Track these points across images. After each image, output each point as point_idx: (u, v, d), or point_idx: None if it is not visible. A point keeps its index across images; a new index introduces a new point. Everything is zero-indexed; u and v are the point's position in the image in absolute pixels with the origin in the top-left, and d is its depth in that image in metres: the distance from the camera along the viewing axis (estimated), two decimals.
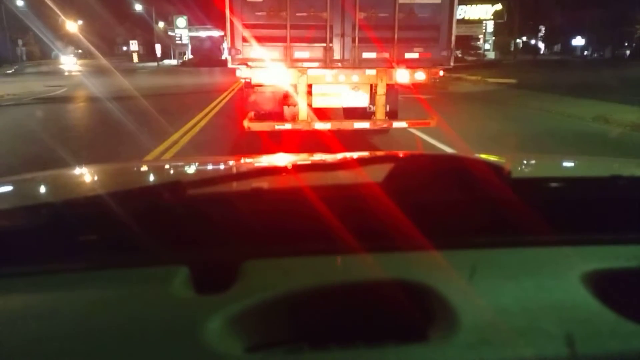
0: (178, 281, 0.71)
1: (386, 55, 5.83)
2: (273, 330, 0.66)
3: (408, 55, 5.88)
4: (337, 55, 5.79)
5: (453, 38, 6.02)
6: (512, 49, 41.32)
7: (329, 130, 6.18)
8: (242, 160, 1.86)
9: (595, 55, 53.09)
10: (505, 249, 0.82)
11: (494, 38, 46.14)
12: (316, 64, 5.83)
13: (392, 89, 6.28)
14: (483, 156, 1.38)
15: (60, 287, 0.73)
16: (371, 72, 5.93)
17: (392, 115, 6.36)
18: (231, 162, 1.79)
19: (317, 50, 5.76)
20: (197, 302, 0.67)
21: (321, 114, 6.63)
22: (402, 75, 5.95)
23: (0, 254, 0.78)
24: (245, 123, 5.99)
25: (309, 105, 6.04)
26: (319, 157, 1.65)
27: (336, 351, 0.59)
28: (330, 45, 5.74)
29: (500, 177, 0.92)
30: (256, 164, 1.66)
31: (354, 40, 5.75)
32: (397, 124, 6.27)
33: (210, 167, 1.69)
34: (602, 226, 0.87)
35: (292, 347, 0.62)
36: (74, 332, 0.62)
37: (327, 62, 5.79)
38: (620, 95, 11.66)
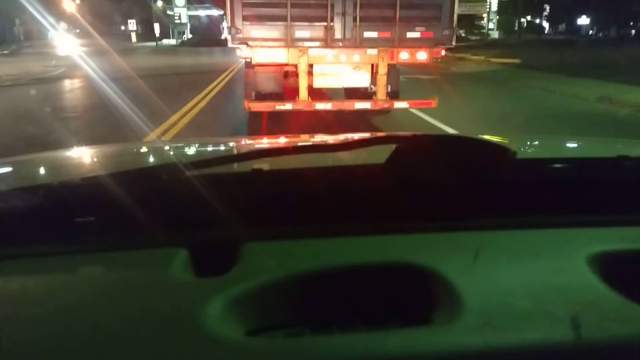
0: (177, 263, 0.70)
1: (387, 34, 5.75)
2: (273, 313, 0.64)
3: (410, 35, 5.79)
4: (338, 34, 5.70)
5: (455, 17, 5.95)
6: (516, 28, 40.83)
7: (330, 111, 6.16)
8: (242, 142, 1.84)
9: (600, 34, 52.58)
10: (510, 231, 0.80)
11: (498, 17, 45.59)
12: (317, 44, 5.74)
13: (393, 69, 6.23)
14: (487, 137, 1.35)
15: (57, 269, 0.72)
16: (372, 51, 5.83)
17: (393, 95, 6.29)
18: (231, 144, 1.77)
19: (317, 30, 5.67)
20: (197, 285, 0.66)
21: (322, 94, 6.60)
22: (403, 55, 5.87)
23: None
24: (246, 103, 5.92)
25: (310, 85, 5.96)
26: (320, 138, 1.63)
27: (337, 335, 0.59)
28: (331, 24, 5.64)
29: (505, 158, 0.89)
30: (256, 146, 1.64)
31: (355, 19, 5.66)
32: (398, 104, 6.21)
33: (209, 148, 1.67)
34: (609, 207, 0.85)
35: (292, 330, 0.62)
36: (72, 315, 0.60)
37: (328, 41, 5.70)
38: (624, 75, 11.51)
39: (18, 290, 0.67)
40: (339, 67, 5.98)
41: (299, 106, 5.90)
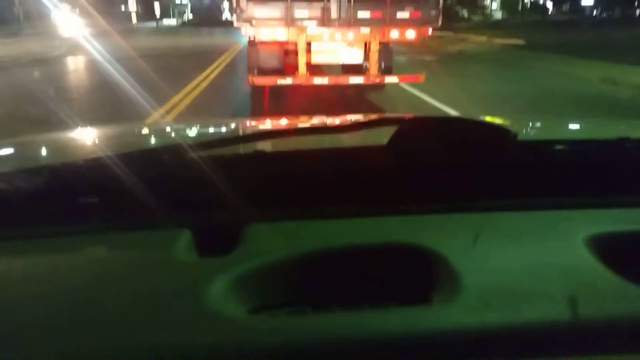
0: (180, 244, 0.70)
1: (379, 14, 6.19)
2: (276, 293, 0.65)
3: (399, 15, 6.23)
4: (334, 14, 6.12)
5: None
6: (520, 8, 40.33)
7: (328, 86, 6.63)
8: (245, 123, 1.84)
9: (604, 15, 51.91)
10: (510, 212, 0.81)
11: None
12: (314, 23, 6.16)
13: (386, 47, 6.80)
14: (488, 118, 1.36)
15: (61, 250, 0.72)
16: (365, 30, 6.27)
17: (387, 71, 6.82)
18: (233, 125, 1.77)
19: (315, 10, 6.09)
20: (200, 265, 0.67)
21: (320, 70, 7.00)
22: (393, 34, 6.35)
23: (1, 216, 0.77)
24: (250, 78, 6.40)
25: (308, 62, 6.40)
26: (322, 119, 1.63)
27: (339, 313, 0.59)
28: (328, 4, 6.08)
29: (506, 139, 0.90)
30: (259, 127, 1.65)
31: (349, 0, 6.09)
32: (388, 79, 6.69)
33: (212, 129, 1.68)
34: (608, 189, 0.86)
35: (294, 309, 0.63)
36: (75, 295, 0.61)
37: (325, 20, 6.13)
38: (628, 56, 11.42)
39: (21, 270, 0.68)
40: (335, 45, 6.44)
41: (299, 81, 6.31)
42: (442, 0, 6.47)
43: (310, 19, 6.12)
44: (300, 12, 6.07)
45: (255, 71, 6.56)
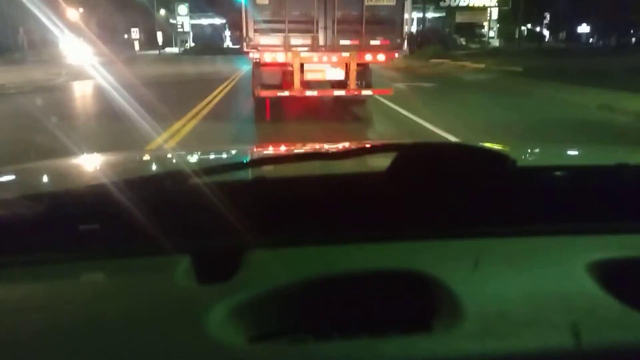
0: (180, 271, 0.71)
1: (357, 42, 7.97)
2: (276, 320, 0.65)
3: (372, 42, 8.04)
4: (321, 42, 7.98)
5: (405, 29, 8.38)
6: (517, 36, 40.96)
7: (317, 98, 8.81)
8: (245, 150, 1.86)
9: (601, 43, 52.62)
10: (510, 238, 0.81)
11: (498, 25, 45.76)
12: (306, 48, 7.94)
13: (366, 67, 8.53)
14: (487, 145, 1.37)
15: (61, 277, 0.72)
16: (346, 54, 8.03)
17: (367, 86, 8.56)
18: (233, 152, 1.79)
19: (307, 39, 7.91)
20: (199, 292, 0.66)
21: (310, 85, 8.63)
22: (368, 57, 8.15)
23: (1, 243, 0.77)
24: (256, 91, 8.21)
25: (302, 79, 8.12)
26: (321, 146, 1.65)
27: (339, 342, 0.59)
28: (317, 35, 7.90)
29: (505, 165, 0.90)
30: (258, 154, 1.66)
31: (333, 32, 7.92)
32: (364, 92, 8.41)
33: (212, 156, 1.69)
34: (608, 215, 0.86)
35: (294, 337, 0.62)
36: (75, 323, 0.61)
37: (314, 47, 7.96)
38: (624, 83, 11.54)
39: (21, 298, 0.68)
40: (322, 65, 8.21)
41: (294, 93, 8.09)
42: (406, 31, 8.37)
43: (303, 45, 7.91)
44: (295, 40, 7.85)
45: (260, 86, 8.22)
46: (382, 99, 9.96)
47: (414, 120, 8.20)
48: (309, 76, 8.23)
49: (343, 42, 7.94)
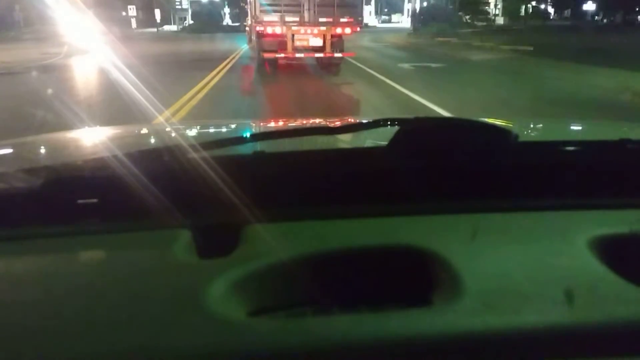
0: (180, 245, 0.70)
1: (330, 19, 11.30)
2: (275, 294, 0.64)
3: (341, 19, 11.39)
4: (306, 19, 11.30)
5: (362, 10, 12.72)
6: (524, 13, 40.21)
7: (304, 60, 12.44)
8: (246, 124, 1.86)
9: (606, 20, 51.96)
10: (511, 213, 0.80)
11: (503, 3, 44.98)
12: (296, 24, 11.28)
13: (339, 38, 11.68)
14: (489, 120, 1.34)
15: (60, 250, 0.71)
16: (323, 28, 11.35)
17: (337, 51, 11.61)
18: (233, 126, 1.78)
19: (296, 16, 11.24)
20: (200, 266, 0.66)
21: (299, 49, 11.58)
22: (338, 29, 11.43)
23: (0, 216, 0.76)
24: (261, 54, 11.65)
25: (293, 45, 11.38)
26: (322, 121, 1.65)
27: (338, 315, 0.59)
28: (303, 14, 11.26)
29: (507, 140, 0.91)
30: (259, 128, 1.66)
31: (315, 12, 11.25)
32: (336, 54, 11.59)
33: (212, 130, 1.68)
34: (610, 190, 0.86)
35: (294, 311, 0.62)
36: (74, 296, 0.60)
37: (301, 22, 11.32)
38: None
39: (20, 271, 0.67)
40: (307, 36, 11.52)
41: (288, 54, 11.40)
42: (362, 10, 12.93)
43: (293, 22, 11.27)
44: (288, 18, 11.21)
45: (263, 51, 11.55)
46: (396, 85, 9.88)
47: (427, 106, 7.79)
48: (297, 43, 11.57)
49: (321, 19, 11.31)
